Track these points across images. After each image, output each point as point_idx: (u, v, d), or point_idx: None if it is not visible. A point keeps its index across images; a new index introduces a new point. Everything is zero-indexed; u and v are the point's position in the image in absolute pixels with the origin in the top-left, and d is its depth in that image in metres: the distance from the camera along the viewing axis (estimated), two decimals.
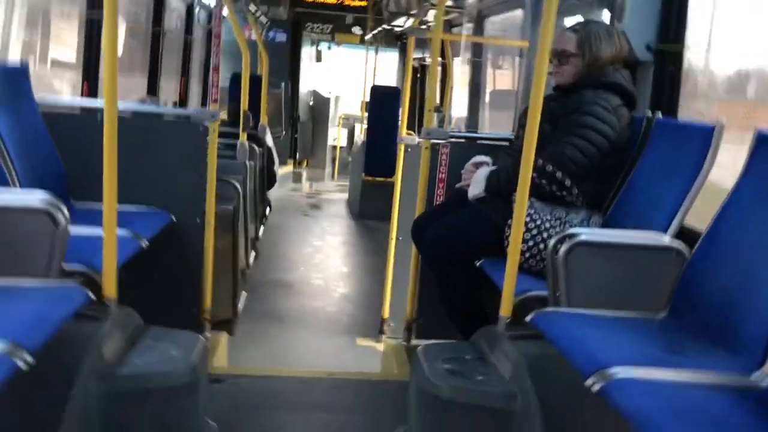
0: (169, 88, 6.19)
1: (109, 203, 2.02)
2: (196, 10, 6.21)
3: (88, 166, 2.39)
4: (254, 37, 6.36)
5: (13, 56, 3.25)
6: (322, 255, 5.80)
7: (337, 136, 11.05)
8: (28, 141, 2.78)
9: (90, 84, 3.81)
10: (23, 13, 3.34)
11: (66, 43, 4.71)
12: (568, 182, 2.49)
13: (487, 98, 6.23)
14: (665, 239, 2.11)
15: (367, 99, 8.07)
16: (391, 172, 7.40)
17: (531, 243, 2.46)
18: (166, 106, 5.96)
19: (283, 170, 8.88)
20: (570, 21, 3.08)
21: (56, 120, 3.03)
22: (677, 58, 2.81)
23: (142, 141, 3.01)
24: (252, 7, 6.70)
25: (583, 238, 2.09)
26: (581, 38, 2.63)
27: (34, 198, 1.99)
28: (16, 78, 2.86)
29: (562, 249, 2.07)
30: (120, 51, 3.38)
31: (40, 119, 2.95)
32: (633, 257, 2.12)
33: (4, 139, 2.59)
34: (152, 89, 5.31)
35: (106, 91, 1.98)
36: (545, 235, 2.44)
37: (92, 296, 1.95)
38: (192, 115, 3.13)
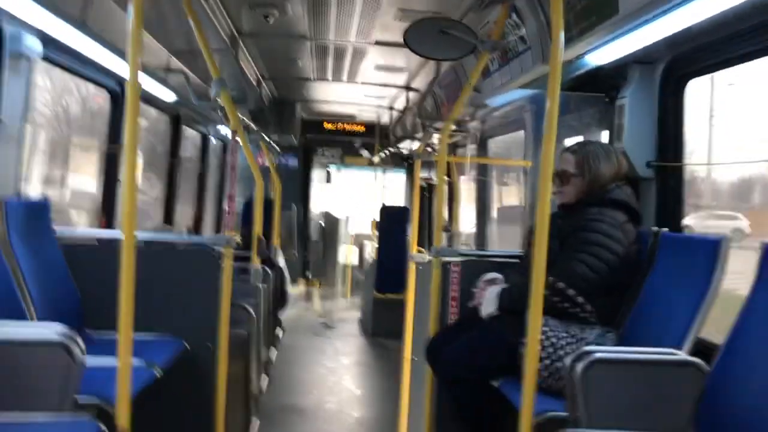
0: (185, 213, 6.33)
1: (125, 334, 2.00)
2: (211, 140, 6.46)
3: (104, 296, 2.42)
4: (267, 162, 6.58)
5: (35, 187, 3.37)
6: (335, 377, 5.70)
7: (347, 255, 11.14)
8: (46, 273, 2.84)
9: (108, 216, 3.92)
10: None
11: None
12: (580, 299, 2.49)
13: (494, 214, 6.32)
14: (681, 355, 2.09)
15: (377, 218, 8.21)
16: (403, 288, 7.43)
17: (548, 362, 2.43)
18: (182, 232, 6.07)
19: (294, 290, 8.88)
20: (570, 142, 3.19)
21: (74, 251, 3.10)
22: (677, 173, 2.88)
23: (156, 269, 3.04)
24: (266, 137, 6.96)
25: (598, 356, 2.06)
26: (580, 158, 2.72)
27: (51, 331, 2.01)
28: (38, 212, 2.96)
29: (579, 367, 2.04)
30: (138, 182, 3.49)
31: (59, 252, 3.03)
32: (651, 374, 2.08)
33: (23, 272, 2.66)
34: (168, 219, 5.42)
35: (125, 222, 2.01)
36: (562, 353, 2.42)
37: (105, 429, 1.93)
38: (206, 242, 3.19)
